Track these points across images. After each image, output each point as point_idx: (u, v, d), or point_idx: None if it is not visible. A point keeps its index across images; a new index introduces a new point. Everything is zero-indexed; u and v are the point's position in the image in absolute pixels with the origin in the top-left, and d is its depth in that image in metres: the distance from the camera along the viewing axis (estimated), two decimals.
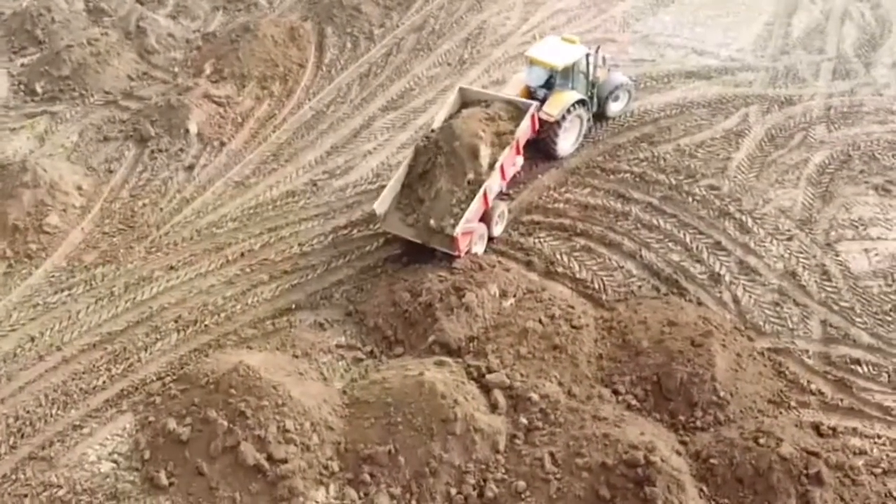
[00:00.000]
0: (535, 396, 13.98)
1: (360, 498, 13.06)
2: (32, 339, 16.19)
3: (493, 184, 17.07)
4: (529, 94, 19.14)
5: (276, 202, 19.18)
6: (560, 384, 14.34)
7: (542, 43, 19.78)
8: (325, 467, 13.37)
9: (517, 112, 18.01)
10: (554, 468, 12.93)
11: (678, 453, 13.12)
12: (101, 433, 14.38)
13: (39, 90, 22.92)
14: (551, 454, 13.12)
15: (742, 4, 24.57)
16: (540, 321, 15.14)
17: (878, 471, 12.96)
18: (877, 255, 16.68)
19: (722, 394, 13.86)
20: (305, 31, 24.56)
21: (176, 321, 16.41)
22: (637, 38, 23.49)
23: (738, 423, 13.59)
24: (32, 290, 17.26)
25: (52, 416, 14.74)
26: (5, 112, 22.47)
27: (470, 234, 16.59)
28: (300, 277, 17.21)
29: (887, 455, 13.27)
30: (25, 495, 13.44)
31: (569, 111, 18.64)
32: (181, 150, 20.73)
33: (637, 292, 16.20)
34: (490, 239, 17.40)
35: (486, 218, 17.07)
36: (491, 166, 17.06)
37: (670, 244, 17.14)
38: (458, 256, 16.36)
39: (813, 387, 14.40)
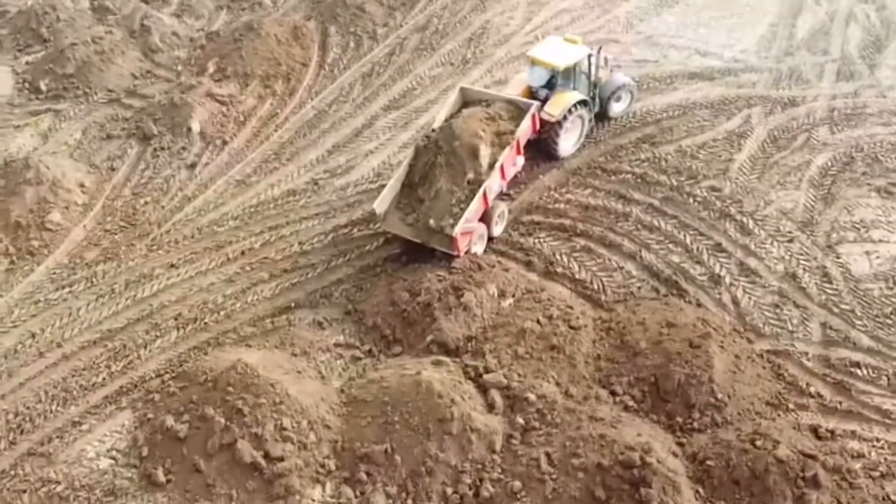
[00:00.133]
0: (532, 397, 13.97)
1: (356, 496, 13.07)
2: (33, 336, 16.24)
3: (493, 184, 17.05)
4: (531, 94, 19.13)
5: (277, 201, 19.21)
6: (557, 384, 14.32)
7: (544, 43, 19.79)
8: (322, 466, 13.39)
9: (518, 112, 17.98)
10: (550, 468, 12.90)
11: (674, 455, 13.09)
12: (100, 430, 14.42)
13: (44, 88, 23.01)
14: (547, 454, 13.10)
15: (746, 6, 24.52)
16: (538, 321, 15.12)
17: (876, 474, 12.88)
18: (878, 257, 16.61)
19: (719, 395, 13.81)
20: (309, 30, 24.60)
21: (176, 319, 16.45)
22: (640, 38, 23.46)
23: (735, 424, 13.54)
24: (34, 287, 17.32)
25: (51, 412, 14.78)
26: (10, 109, 22.55)
27: (469, 233, 16.57)
28: (300, 276, 17.24)
29: (885, 458, 13.20)
30: (24, 491, 13.49)
31: (570, 111, 18.63)
32: (183, 148, 20.79)
33: (636, 293, 16.17)
34: (490, 239, 17.39)
35: (485, 218, 17.05)
36: (491, 166, 17.04)
37: (671, 245, 17.10)
38: (458, 256, 16.35)
39: (812, 389, 14.35)
